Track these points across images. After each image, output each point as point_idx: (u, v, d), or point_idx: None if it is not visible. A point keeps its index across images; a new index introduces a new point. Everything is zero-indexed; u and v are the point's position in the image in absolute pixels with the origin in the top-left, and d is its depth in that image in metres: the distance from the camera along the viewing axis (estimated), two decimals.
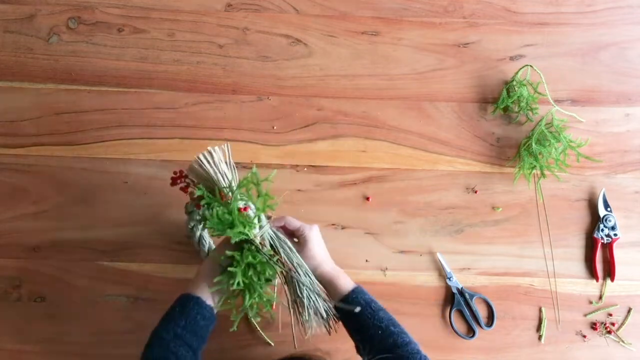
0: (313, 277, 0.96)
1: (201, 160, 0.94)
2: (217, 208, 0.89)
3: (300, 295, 0.94)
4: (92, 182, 1.17)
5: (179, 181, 0.98)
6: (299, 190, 1.16)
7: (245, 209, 0.91)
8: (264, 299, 0.90)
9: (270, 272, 0.90)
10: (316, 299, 0.94)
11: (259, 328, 1.12)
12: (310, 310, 0.94)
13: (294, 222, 0.97)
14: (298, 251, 0.95)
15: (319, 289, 0.96)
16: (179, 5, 1.22)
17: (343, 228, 1.16)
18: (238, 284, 0.88)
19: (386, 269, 1.15)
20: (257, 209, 0.92)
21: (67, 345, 1.13)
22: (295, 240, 0.99)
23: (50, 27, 1.22)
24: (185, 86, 1.20)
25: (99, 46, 1.21)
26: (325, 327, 0.96)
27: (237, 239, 0.89)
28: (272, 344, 1.12)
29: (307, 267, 0.96)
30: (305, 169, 1.18)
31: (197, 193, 0.93)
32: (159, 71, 1.20)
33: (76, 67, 1.20)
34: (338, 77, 1.21)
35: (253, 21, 1.22)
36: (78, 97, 1.19)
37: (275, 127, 1.18)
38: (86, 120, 1.19)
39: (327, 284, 0.96)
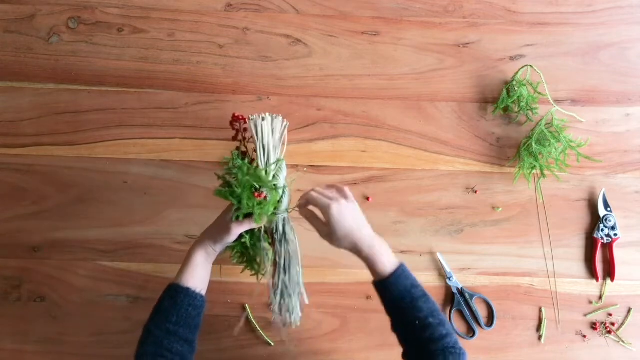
0: (299, 278, 0.95)
1: (257, 122, 0.91)
2: (239, 174, 0.88)
3: (276, 286, 0.94)
4: (92, 182, 1.17)
5: (237, 123, 0.95)
6: (298, 190, 1.16)
7: (260, 195, 0.89)
8: (258, 270, 0.97)
9: (258, 254, 0.95)
10: (289, 297, 0.94)
11: (259, 328, 1.12)
12: (277, 302, 0.94)
13: (318, 201, 0.90)
14: (327, 233, 0.90)
15: (298, 290, 0.95)
16: (179, 5, 1.22)
17: None
18: (237, 253, 0.98)
19: None
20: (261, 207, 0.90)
21: (67, 345, 1.13)
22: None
23: (50, 27, 1.22)
24: (185, 86, 1.20)
25: (99, 46, 1.21)
26: (288, 323, 0.96)
27: (239, 217, 0.89)
28: (272, 344, 1.12)
29: (299, 268, 0.95)
30: (305, 169, 1.18)
31: (226, 159, 0.91)
32: (159, 71, 1.20)
33: (76, 67, 1.20)
34: (338, 77, 1.21)
35: (253, 21, 1.22)
36: (78, 97, 1.19)
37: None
38: (86, 120, 1.19)
39: (367, 261, 0.90)
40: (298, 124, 1.19)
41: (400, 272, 0.88)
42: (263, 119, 0.93)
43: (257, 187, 0.88)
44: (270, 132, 0.92)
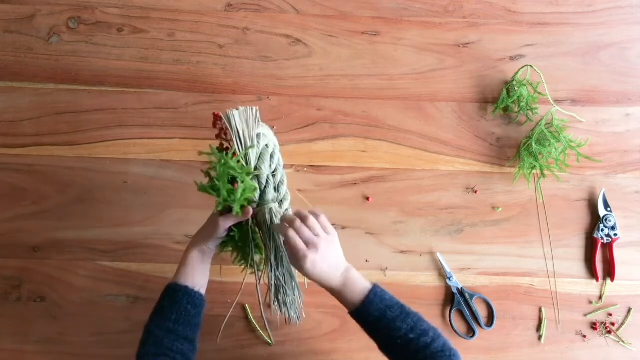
0: (292, 271, 0.95)
1: (229, 114, 0.91)
2: (217, 166, 0.87)
3: (270, 280, 0.94)
4: (92, 182, 1.17)
5: (219, 122, 0.94)
6: (299, 190, 1.16)
7: (237, 184, 0.87)
8: (249, 263, 0.96)
9: (248, 248, 0.95)
10: (285, 294, 0.94)
11: (259, 328, 1.12)
12: (274, 297, 0.94)
13: (294, 247, 0.85)
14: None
15: (292, 283, 0.95)
16: (179, 5, 1.22)
17: (343, 228, 1.16)
18: (230, 249, 0.97)
19: (386, 269, 1.15)
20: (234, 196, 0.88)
21: (67, 345, 1.13)
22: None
23: (50, 27, 1.22)
24: (185, 86, 1.20)
25: (99, 46, 1.21)
26: (287, 317, 0.96)
27: (218, 208, 0.88)
28: (272, 344, 1.12)
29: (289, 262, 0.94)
30: (305, 169, 1.18)
31: (207, 152, 0.90)
32: (159, 71, 1.20)
33: (76, 67, 1.20)
34: (338, 77, 1.21)
35: (253, 21, 1.22)
36: (78, 97, 1.19)
37: (275, 127, 1.18)
38: (86, 120, 1.19)
39: (337, 300, 0.89)
40: (298, 124, 1.19)
41: (372, 297, 0.86)
42: (237, 110, 0.93)
43: (237, 178, 0.88)
44: (245, 123, 0.92)
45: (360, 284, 0.88)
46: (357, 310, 0.87)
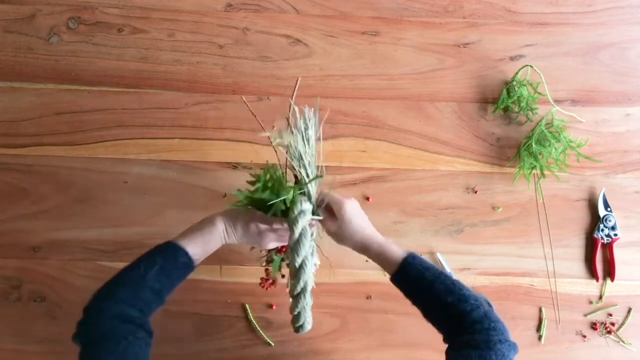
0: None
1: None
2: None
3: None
4: (92, 182, 1.17)
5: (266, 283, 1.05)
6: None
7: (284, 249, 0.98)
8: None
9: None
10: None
11: (259, 328, 1.12)
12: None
13: (332, 198, 0.92)
14: (339, 226, 0.92)
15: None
16: (179, 5, 1.22)
17: None
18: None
19: None
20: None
21: (67, 345, 1.12)
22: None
23: (50, 27, 1.22)
24: (185, 86, 1.20)
25: (99, 46, 1.21)
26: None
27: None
28: (272, 344, 1.12)
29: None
30: None
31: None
32: (159, 71, 1.20)
33: (76, 67, 1.20)
34: (338, 77, 1.20)
35: (253, 21, 1.22)
36: (78, 97, 1.19)
37: (275, 127, 1.18)
38: (86, 120, 1.19)
39: (378, 256, 0.91)
40: None
41: (414, 255, 0.89)
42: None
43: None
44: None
45: (397, 247, 0.92)
46: (401, 267, 0.87)
